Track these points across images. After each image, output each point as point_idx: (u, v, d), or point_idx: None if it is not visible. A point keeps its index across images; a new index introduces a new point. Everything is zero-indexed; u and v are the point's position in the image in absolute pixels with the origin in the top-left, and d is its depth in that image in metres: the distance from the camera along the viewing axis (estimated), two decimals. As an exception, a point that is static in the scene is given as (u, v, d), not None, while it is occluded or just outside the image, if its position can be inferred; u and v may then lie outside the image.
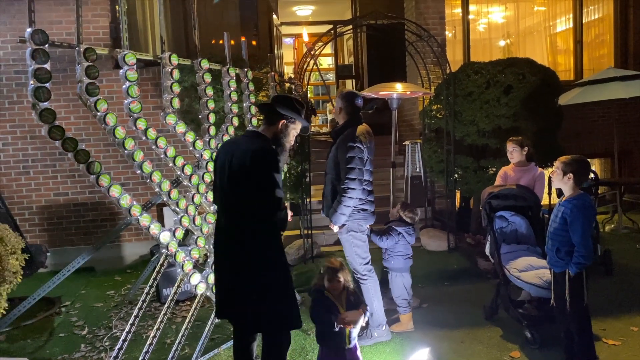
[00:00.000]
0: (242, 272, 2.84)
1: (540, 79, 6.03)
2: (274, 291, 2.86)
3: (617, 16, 9.28)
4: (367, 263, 4.03)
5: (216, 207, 3.24)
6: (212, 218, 3.96)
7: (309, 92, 9.70)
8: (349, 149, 3.76)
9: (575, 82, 7.91)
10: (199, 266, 4.00)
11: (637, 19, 9.09)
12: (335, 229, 3.98)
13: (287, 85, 6.00)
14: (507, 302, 4.17)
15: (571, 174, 3.27)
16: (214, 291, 3.23)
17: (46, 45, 2.85)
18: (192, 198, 3.81)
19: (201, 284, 3.82)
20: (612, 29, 9.38)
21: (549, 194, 5.85)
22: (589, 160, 3.48)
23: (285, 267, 2.97)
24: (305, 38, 5.89)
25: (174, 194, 3.63)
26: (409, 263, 4.35)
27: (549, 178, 4.91)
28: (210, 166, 3.98)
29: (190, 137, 3.86)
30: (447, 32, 8.07)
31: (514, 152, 4.82)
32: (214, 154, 4.06)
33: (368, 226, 4.10)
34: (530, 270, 3.96)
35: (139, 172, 3.43)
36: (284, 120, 3.01)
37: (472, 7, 9.15)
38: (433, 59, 6.88)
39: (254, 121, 4.62)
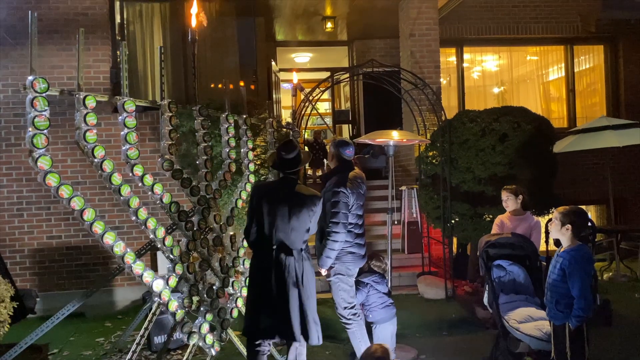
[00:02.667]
0: (300, 294, 3.50)
1: (535, 128, 6.11)
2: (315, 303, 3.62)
3: (608, 66, 9.53)
4: (352, 307, 4.10)
5: (271, 243, 3.60)
6: (206, 265, 3.90)
7: (305, 134, 9.82)
8: (334, 194, 3.95)
9: (569, 130, 8.03)
10: (191, 313, 3.91)
11: (628, 69, 9.33)
12: (323, 272, 4.10)
13: (285, 130, 6.04)
14: (506, 354, 4.07)
15: (570, 225, 3.26)
16: (257, 317, 3.58)
17: (46, 93, 2.87)
18: (187, 245, 3.76)
19: (193, 333, 3.73)
20: (603, 78, 9.61)
21: (546, 241, 5.82)
22: (584, 206, 3.49)
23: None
24: (295, 80, 6.03)
25: (169, 240, 3.58)
26: (390, 311, 4.32)
27: (546, 226, 4.90)
28: (206, 212, 3.95)
29: (186, 183, 3.84)
30: (442, 80, 8.23)
31: (509, 201, 4.84)
32: (210, 199, 4.05)
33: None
34: (529, 322, 3.89)
35: (134, 218, 3.40)
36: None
37: (466, 56, 9.39)
38: (428, 106, 6.98)
39: (251, 166, 4.63)
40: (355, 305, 4.13)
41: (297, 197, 3.59)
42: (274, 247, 3.55)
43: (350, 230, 4.01)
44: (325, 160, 9.71)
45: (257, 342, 3.64)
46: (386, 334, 4.26)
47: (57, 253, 6.64)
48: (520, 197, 4.82)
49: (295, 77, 6.28)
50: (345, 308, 4.08)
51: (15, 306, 3.90)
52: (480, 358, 4.41)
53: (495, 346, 4.25)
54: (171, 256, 3.63)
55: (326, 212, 3.98)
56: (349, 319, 4.08)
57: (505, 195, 4.86)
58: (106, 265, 6.67)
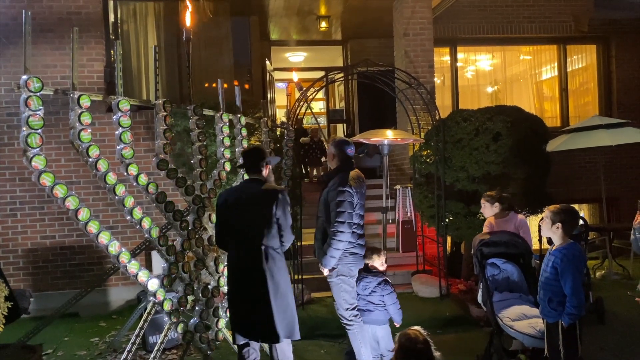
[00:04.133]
0: (266, 293, 3.43)
1: (528, 127, 6.14)
2: (289, 303, 3.57)
3: (600, 65, 9.58)
4: (354, 309, 4.06)
5: (232, 243, 3.62)
6: (201, 265, 3.90)
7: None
8: (339, 193, 3.87)
9: (562, 129, 8.07)
10: (186, 313, 3.92)
11: (620, 69, 9.39)
12: (325, 272, 4.04)
13: (279, 130, 6.05)
14: (500, 352, 4.10)
15: (560, 224, 3.29)
16: (232, 318, 3.59)
17: (40, 92, 2.86)
18: (182, 244, 3.76)
19: (188, 332, 3.73)
20: (596, 78, 9.66)
21: (539, 240, 5.86)
22: (577, 205, 3.51)
23: (289, 283, 3.70)
24: (295, 78, 5.99)
25: (164, 240, 3.58)
26: (371, 316, 4.16)
27: (539, 225, 4.94)
28: (201, 211, 3.96)
29: (181, 182, 3.85)
30: (436, 79, 8.25)
31: (485, 209, 4.87)
32: (205, 198, 4.05)
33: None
34: (523, 320, 3.92)
35: (129, 217, 3.41)
36: (268, 165, 3.75)
37: (460, 55, 9.42)
38: (422, 105, 7.00)
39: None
40: (356, 306, 4.08)
41: (253, 195, 3.56)
42: (236, 248, 3.56)
43: (354, 230, 3.94)
44: (322, 159, 9.70)
45: (241, 344, 3.60)
46: (371, 335, 4.19)
47: (51, 253, 6.61)
48: (497, 204, 4.80)
49: (295, 76, 6.28)
50: (347, 309, 4.02)
51: (9, 306, 3.88)
52: (475, 356, 4.42)
53: (489, 344, 4.27)
54: (166, 256, 3.63)
55: (330, 212, 3.91)
56: (350, 320, 4.02)
57: (481, 202, 4.89)
58: (100, 265, 6.65)
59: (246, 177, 3.83)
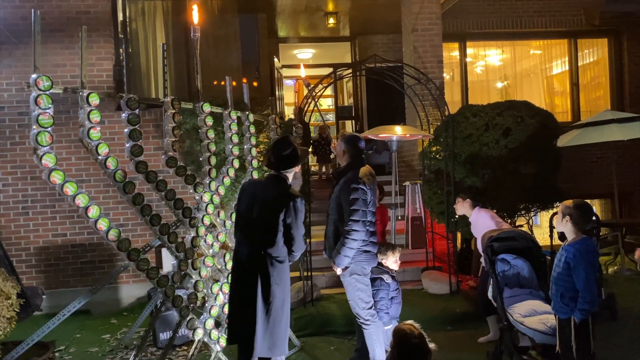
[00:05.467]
0: (254, 301, 3.23)
1: (539, 122, 6.09)
2: (282, 316, 3.33)
3: (612, 59, 9.47)
4: (371, 308, 3.97)
5: (237, 238, 3.52)
6: (210, 261, 3.91)
7: (311, 132, 9.80)
8: (352, 191, 3.77)
9: (573, 124, 7.99)
10: (196, 310, 3.93)
11: (632, 62, 9.27)
12: (339, 271, 3.94)
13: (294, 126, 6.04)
14: (511, 348, 4.08)
15: (568, 217, 3.28)
16: (227, 315, 3.50)
17: (49, 91, 2.88)
18: (192, 241, 3.78)
19: (199, 329, 3.75)
20: (608, 72, 9.56)
21: (550, 235, 5.82)
22: (589, 201, 3.49)
23: (288, 297, 3.44)
24: (303, 74, 5.95)
25: (173, 237, 3.60)
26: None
27: (551, 220, 4.92)
28: (210, 209, 3.97)
29: (190, 180, 3.86)
30: (445, 75, 8.20)
31: (457, 204, 5.37)
32: (214, 196, 4.06)
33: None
34: (534, 316, 3.89)
35: (138, 215, 3.42)
36: (297, 167, 3.57)
37: (469, 50, 9.35)
38: (431, 101, 6.96)
39: (255, 163, 4.64)
40: (373, 305, 4.00)
41: (267, 197, 3.36)
42: (240, 245, 3.43)
43: (367, 228, 3.84)
44: (331, 155, 9.68)
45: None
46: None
47: (63, 251, 6.67)
48: (468, 200, 5.27)
49: (302, 71, 6.25)
50: (363, 308, 3.93)
51: (22, 303, 3.93)
52: (485, 352, 4.41)
53: (499, 340, 4.25)
54: (176, 253, 3.65)
55: (343, 210, 3.82)
56: (367, 320, 3.94)
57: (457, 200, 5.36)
58: (111, 263, 6.70)
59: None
